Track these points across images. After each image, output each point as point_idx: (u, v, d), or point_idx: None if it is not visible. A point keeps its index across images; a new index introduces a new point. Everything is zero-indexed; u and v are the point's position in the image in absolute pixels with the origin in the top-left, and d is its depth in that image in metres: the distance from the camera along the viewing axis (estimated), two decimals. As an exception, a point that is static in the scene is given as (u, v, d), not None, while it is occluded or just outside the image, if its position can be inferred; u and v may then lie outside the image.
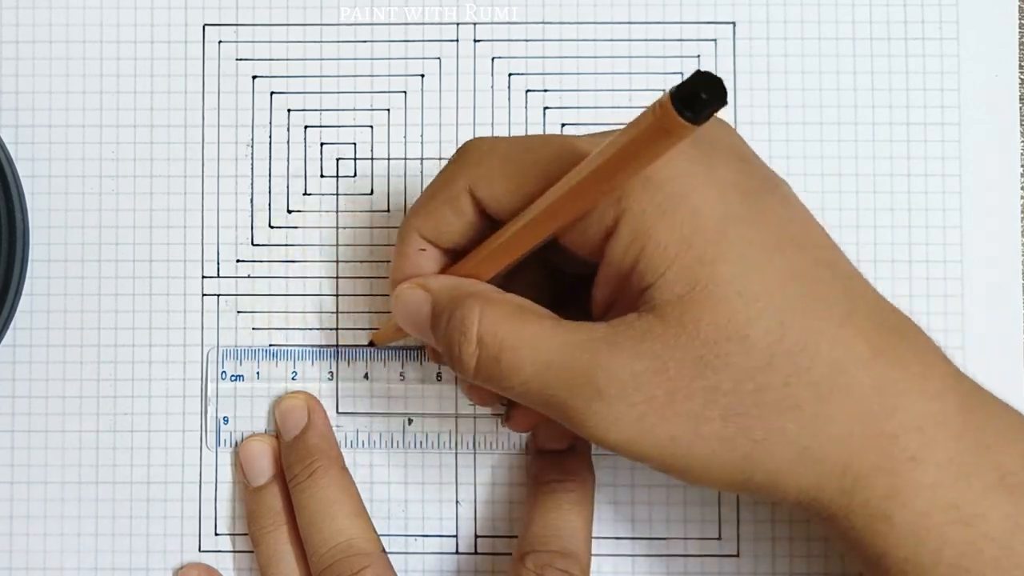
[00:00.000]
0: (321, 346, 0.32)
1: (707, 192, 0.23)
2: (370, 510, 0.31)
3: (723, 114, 0.32)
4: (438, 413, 0.32)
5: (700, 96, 0.19)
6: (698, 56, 0.33)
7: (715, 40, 0.33)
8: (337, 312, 0.33)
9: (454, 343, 0.25)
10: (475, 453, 0.32)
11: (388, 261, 0.33)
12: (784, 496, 0.24)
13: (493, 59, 0.33)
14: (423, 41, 0.33)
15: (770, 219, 0.24)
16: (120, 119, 0.33)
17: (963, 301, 0.32)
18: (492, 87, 0.33)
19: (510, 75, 0.33)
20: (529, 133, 0.33)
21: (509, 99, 0.33)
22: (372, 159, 0.33)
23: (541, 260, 0.28)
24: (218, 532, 0.32)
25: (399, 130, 0.33)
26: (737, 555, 0.32)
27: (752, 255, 0.23)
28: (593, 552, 0.30)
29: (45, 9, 0.33)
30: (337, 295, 0.33)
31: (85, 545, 0.32)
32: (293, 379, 0.32)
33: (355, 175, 0.33)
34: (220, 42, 0.33)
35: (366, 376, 0.32)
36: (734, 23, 0.33)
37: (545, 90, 0.33)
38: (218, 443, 0.32)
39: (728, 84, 0.32)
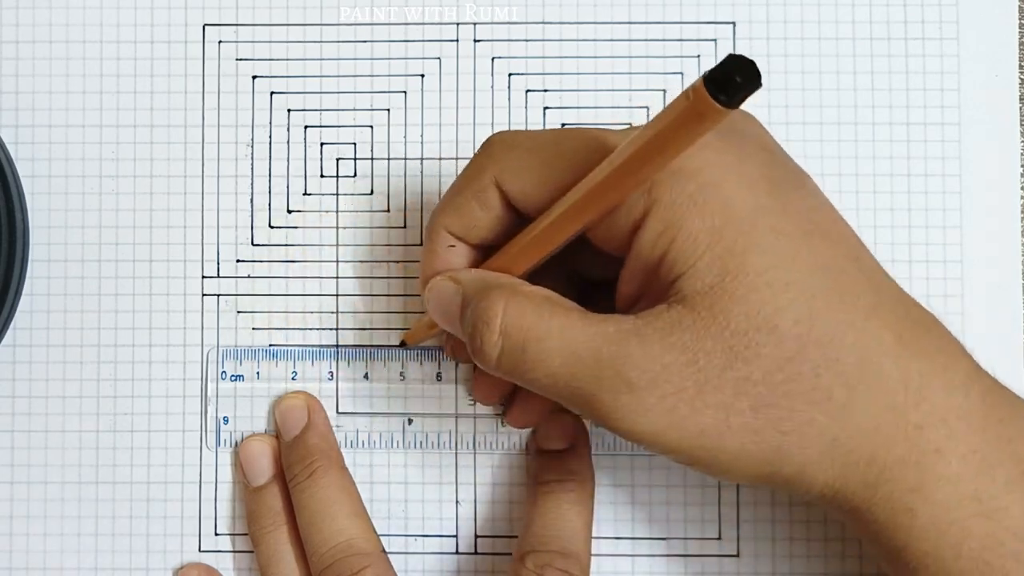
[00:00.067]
0: (321, 346, 0.32)
1: (737, 183, 0.23)
2: (370, 510, 0.31)
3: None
4: (438, 413, 0.32)
5: (735, 79, 0.19)
6: (698, 56, 0.33)
7: (715, 40, 0.33)
8: (337, 312, 0.33)
9: (477, 333, 0.25)
10: (475, 453, 0.32)
11: (388, 261, 0.33)
12: (808, 489, 0.24)
13: (493, 59, 0.33)
14: (423, 41, 0.33)
15: (798, 210, 0.24)
16: (120, 119, 0.33)
17: (963, 301, 0.32)
18: (492, 87, 0.33)
19: (510, 75, 0.33)
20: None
21: (509, 99, 0.33)
22: (372, 159, 0.33)
23: (562, 264, 0.28)
24: (218, 532, 0.32)
25: (399, 130, 0.33)
26: (737, 555, 0.32)
27: (781, 246, 0.23)
28: (593, 552, 0.30)
29: (45, 9, 0.33)
30: (337, 295, 0.33)
31: (85, 545, 0.32)
32: (293, 379, 0.32)
33: (355, 175, 0.33)
34: (220, 42, 0.33)
35: (366, 376, 0.32)
36: (734, 23, 0.33)
37: (545, 90, 0.33)
38: (218, 443, 0.32)
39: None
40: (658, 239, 0.23)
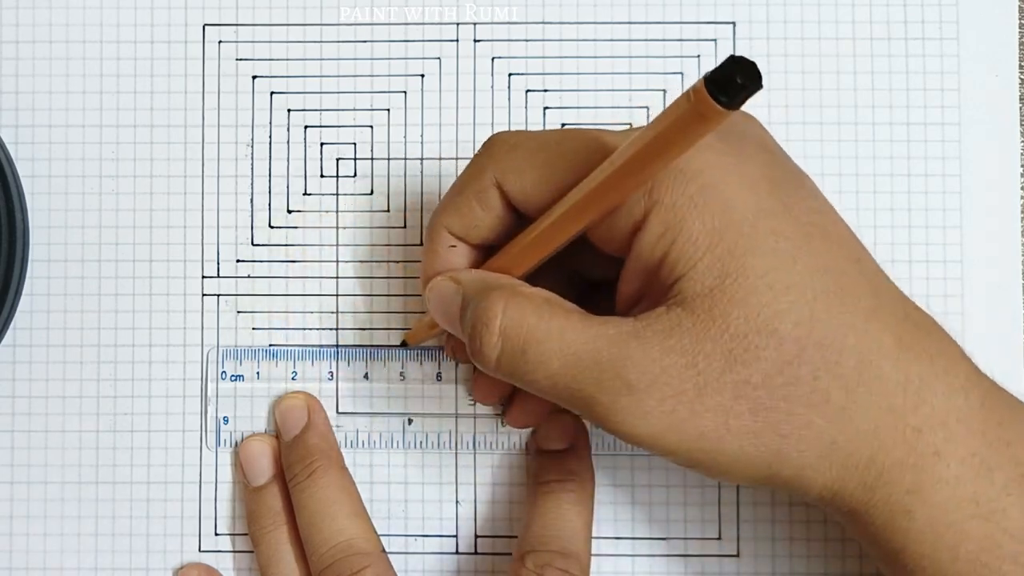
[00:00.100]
0: (321, 346, 0.32)
1: (739, 184, 0.23)
2: (370, 510, 0.31)
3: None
4: (438, 413, 0.32)
5: (735, 81, 0.19)
6: (698, 56, 0.33)
7: (715, 40, 0.33)
8: (337, 312, 0.33)
9: (476, 335, 0.25)
10: (475, 453, 0.32)
11: (388, 261, 0.33)
12: (807, 491, 0.24)
13: (493, 59, 0.33)
14: (423, 41, 0.33)
15: (799, 212, 0.24)
16: (120, 119, 0.33)
17: (963, 301, 0.32)
18: (492, 87, 0.33)
19: (510, 75, 0.33)
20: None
21: (509, 99, 0.33)
22: (372, 159, 0.33)
23: (562, 265, 0.28)
24: (218, 532, 0.32)
25: (399, 130, 0.33)
26: (737, 555, 0.32)
27: (782, 248, 0.23)
28: (593, 552, 0.30)
29: (45, 9, 0.33)
30: (337, 295, 0.33)
31: (85, 545, 0.32)
32: (293, 379, 0.32)
33: (355, 175, 0.33)
34: (220, 42, 0.33)
35: (366, 376, 0.32)
36: (734, 23, 0.33)
37: (545, 90, 0.33)
38: (218, 443, 0.32)
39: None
40: (658, 240, 0.23)
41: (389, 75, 0.33)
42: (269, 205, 0.33)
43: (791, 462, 0.23)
